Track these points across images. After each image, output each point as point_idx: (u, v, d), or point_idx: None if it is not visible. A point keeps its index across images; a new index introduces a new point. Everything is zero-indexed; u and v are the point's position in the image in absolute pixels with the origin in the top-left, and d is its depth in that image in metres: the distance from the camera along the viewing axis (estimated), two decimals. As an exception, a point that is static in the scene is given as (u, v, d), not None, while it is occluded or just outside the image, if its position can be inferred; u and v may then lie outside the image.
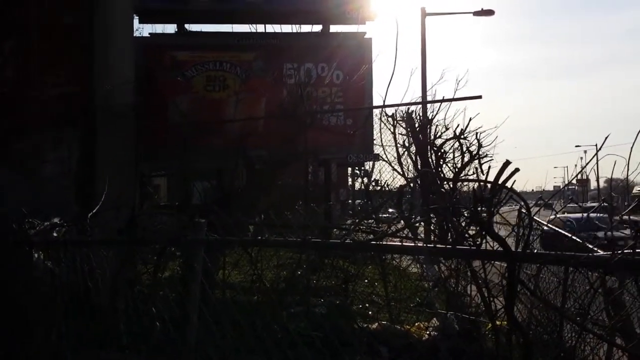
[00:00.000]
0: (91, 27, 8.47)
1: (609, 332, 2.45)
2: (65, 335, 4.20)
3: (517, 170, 2.14)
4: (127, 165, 8.82)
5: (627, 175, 2.48)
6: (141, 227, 4.24)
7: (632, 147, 2.38)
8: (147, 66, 11.47)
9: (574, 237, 3.84)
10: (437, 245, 2.35)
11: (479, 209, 2.38)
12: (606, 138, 2.42)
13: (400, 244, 2.49)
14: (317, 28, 12.12)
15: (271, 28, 11.97)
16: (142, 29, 12.54)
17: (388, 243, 2.51)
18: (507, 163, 2.15)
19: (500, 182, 2.18)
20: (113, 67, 8.67)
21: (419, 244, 2.78)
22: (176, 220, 3.91)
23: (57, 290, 4.16)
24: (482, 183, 2.53)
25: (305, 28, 12.18)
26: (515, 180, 2.19)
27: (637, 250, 1.89)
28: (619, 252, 1.89)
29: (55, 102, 8.24)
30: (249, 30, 11.95)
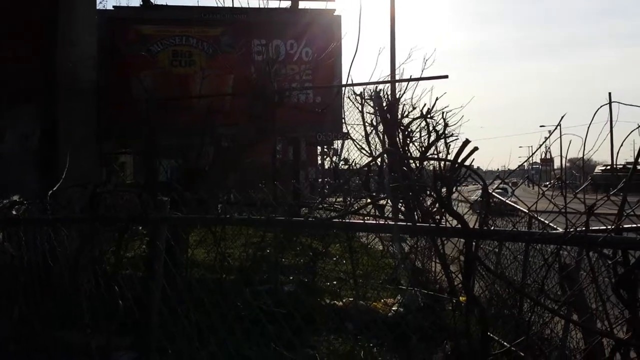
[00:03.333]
0: (54, 1, 8.20)
1: (562, 306, 2.53)
2: (26, 317, 4.13)
3: (475, 149, 2.16)
4: (90, 142, 8.64)
5: (583, 155, 2.53)
6: (104, 205, 4.16)
7: (588, 127, 2.43)
8: (111, 40, 11.17)
9: (530, 212, 3.91)
10: (398, 223, 2.38)
11: (439, 187, 2.41)
12: (562, 117, 2.47)
13: (362, 221, 2.50)
14: (286, 4, 11.98)
15: (239, 3, 11.77)
16: (106, 2, 12.20)
17: (351, 221, 2.53)
18: (466, 142, 2.17)
19: (459, 160, 2.21)
20: (76, 42, 8.43)
21: (381, 222, 2.80)
22: (139, 198, 3.85)
23: (17, 270, 4.08)
24: (443, 162, 2.55)
25: (274, 4, 12.03)
26: (474, 159, 2.22)
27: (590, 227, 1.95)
28: (572, 228, 1.94)
29: (16, 77, 7.98)
30: (216, 5, 11.72)
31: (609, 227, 1.96)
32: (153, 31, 11.46)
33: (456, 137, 6.55)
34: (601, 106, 2.64)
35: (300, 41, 11.06)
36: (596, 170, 44.22)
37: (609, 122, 2.79)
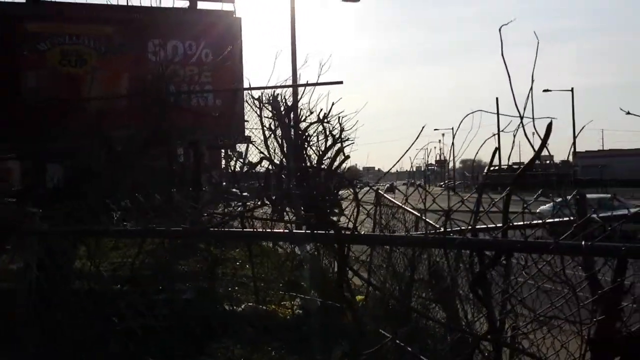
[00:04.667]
0: None
1: (428, 305, 2.65)
2: None
3: (347, 157, 2.21)
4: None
5: (454, 158, 2.67)
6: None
7: (454, 134, 2.55)
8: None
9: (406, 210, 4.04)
10: (274, 230, 2.38)
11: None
12: (423, 128, 2.56)
13: (240, 229, 2.47)
14: (184, 4, 11.67)
15: (133, 1, 11.33)
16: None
17: (230, 229, 2.49)
18: (339, 150, 2.21)
19: (333, 168, 2.24)
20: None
21: (256, 229, 2.79)
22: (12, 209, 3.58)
23: None
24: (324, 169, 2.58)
25: (170, 3, 11.69)
26: (347, 167, 2.27)
27: (447, 230, 2.05)
28: (433, 231, 2.03)
29: None
30: (109, 3, 11.19)
31: (465, 228, 2.07)
32: (41, 29, 10.76)
33: (352, 141, 6.68)
34: (467, 115, 2.74)
35: (199, 42, 10.82)
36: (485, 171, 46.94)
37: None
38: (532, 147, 2.09)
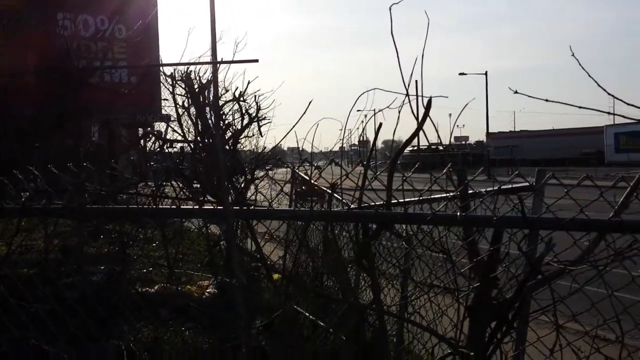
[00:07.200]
0: None
1: (315, 279, 2.74)
2: None
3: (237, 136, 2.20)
4: None
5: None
6: None
7: (348, 115, 2.61)
8: None
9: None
10: (163, 207, 2.36)
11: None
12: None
13: (122, 206, 2.40)
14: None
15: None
16: None
17: (101, 207, 2.38)
18: (228, 126, 2.20)
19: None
20: None
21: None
22: None
23: None
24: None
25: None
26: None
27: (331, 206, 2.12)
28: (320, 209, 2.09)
29: None
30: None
31: (352, 205, 2.16)
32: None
33: (269, 120, 6.65)
34: (361, 94, 2.79)
35: (112, 17, 10.34)
36: (405, 151, 48.28)
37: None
38: (417, 120, 2.20)
